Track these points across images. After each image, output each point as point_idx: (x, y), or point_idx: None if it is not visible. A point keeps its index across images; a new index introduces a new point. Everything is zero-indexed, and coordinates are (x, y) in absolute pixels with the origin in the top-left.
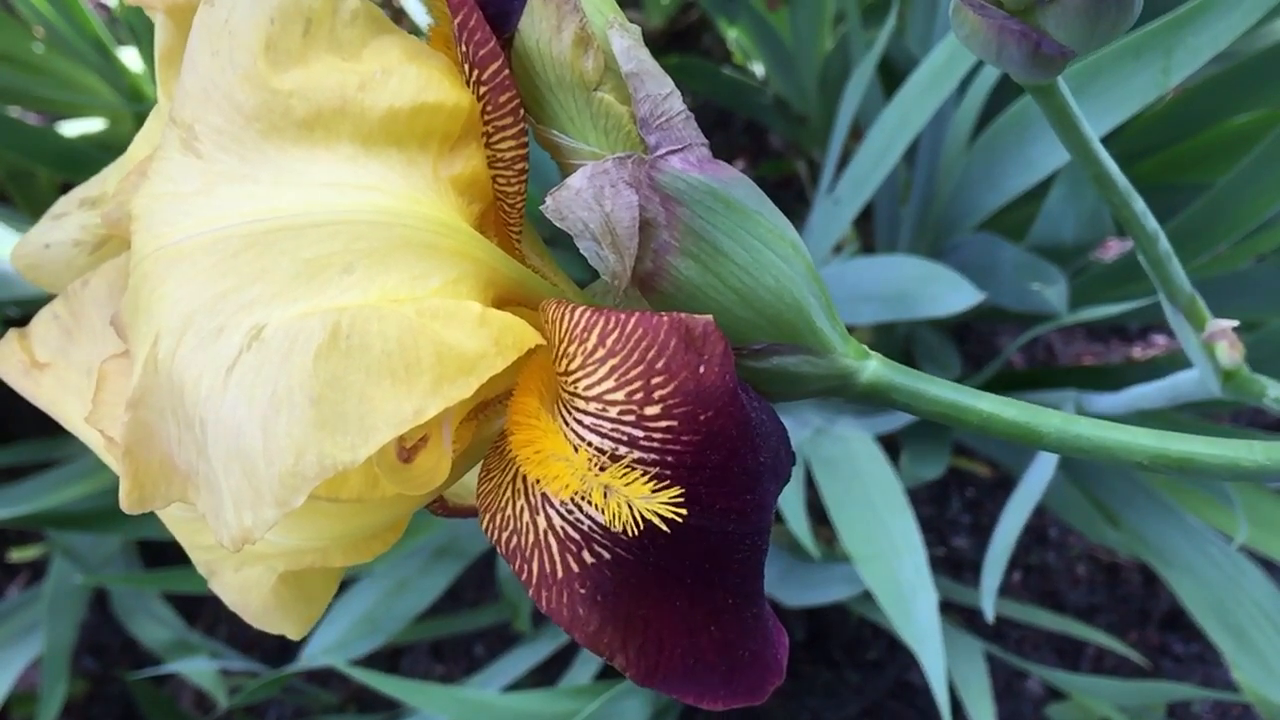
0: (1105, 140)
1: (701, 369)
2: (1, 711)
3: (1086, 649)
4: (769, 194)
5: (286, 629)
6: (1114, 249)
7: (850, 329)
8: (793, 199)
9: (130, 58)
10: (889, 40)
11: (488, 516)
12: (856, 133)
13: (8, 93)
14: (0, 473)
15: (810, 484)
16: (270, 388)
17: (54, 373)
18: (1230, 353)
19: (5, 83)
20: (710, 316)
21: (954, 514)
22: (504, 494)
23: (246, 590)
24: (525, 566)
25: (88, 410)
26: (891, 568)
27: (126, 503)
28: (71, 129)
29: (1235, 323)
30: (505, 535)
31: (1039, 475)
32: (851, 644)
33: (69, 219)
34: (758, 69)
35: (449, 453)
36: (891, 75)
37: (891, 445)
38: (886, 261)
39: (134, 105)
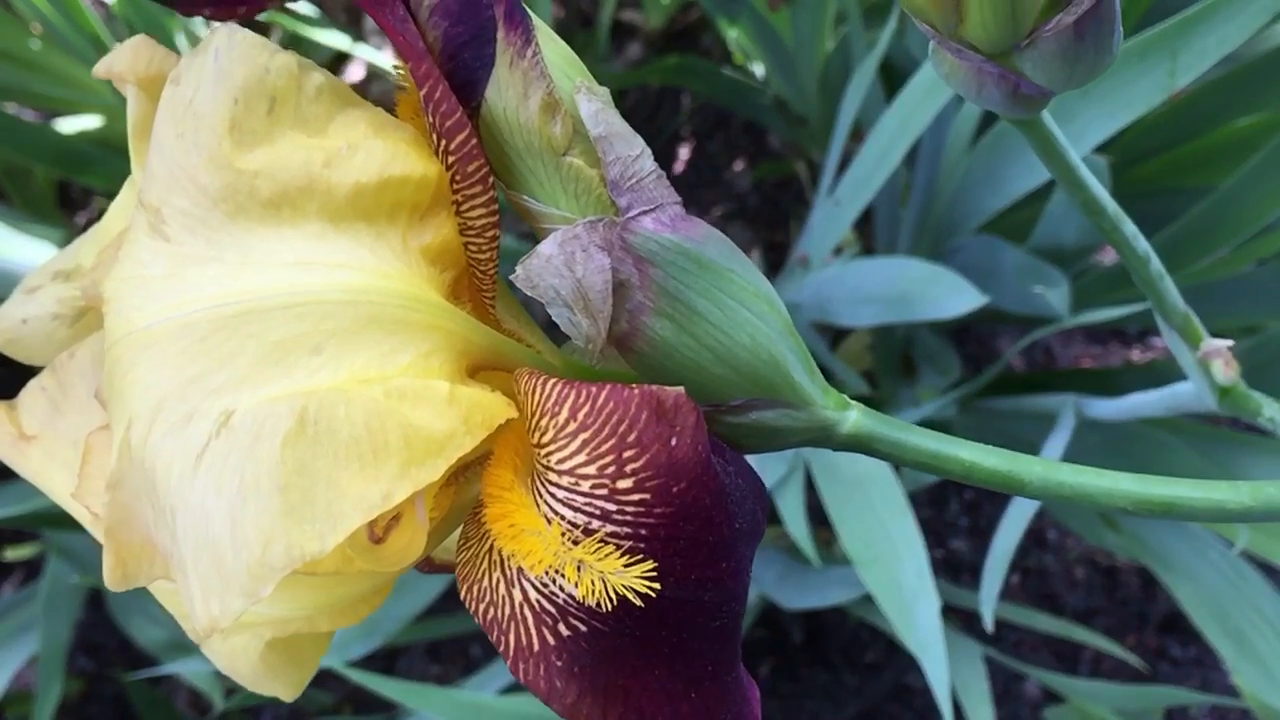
0: (1107, 143)
1: (673, 441)
2: None
3: (1084, 652)
4: (768, 195)
5: (279, 692)
6: (1114, 252)
7: (849, 330)
8: (792, 200)
9: None
10: (890, 41)
11: (465, 587)
12: (857, 134)
13: (5, 90)
14: None
15: (810, 486)
16: (238, 476)
17: (41, 445)
18: (1225, 370)
19: (2, 79)
20: (681, 389)
21: (952, 516)
22: (480, 565)
23: (235, 657)
24: (502, 638)
25: (73, 482)
26: (893, 572)
27: (110, 580)
28: (69, 126)
29: (1230, 342)
30: (482, 607)
31: None
32: (850, 646)
33: (44, 292)
34: (758, 69)
35: (424, 526)
36: (892, 76)
37: None
38: (888, 263)
39: None
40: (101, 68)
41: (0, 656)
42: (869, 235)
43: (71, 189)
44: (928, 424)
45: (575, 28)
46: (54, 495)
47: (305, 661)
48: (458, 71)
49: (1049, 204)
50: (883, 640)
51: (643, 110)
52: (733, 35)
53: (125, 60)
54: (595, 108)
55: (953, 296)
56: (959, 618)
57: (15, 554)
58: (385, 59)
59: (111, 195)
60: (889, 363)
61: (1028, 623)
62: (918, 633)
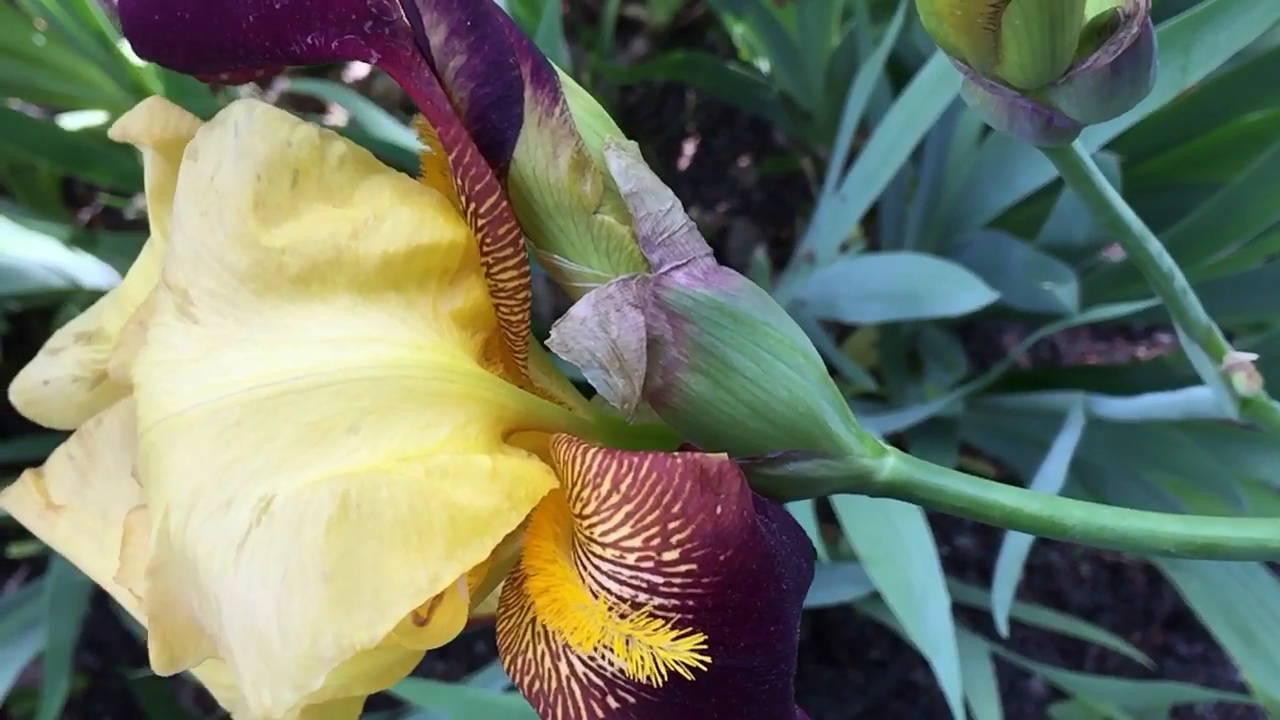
0: (1115, 139)
1: (719, 509)
2: (2, 708)
3: (1090, 649)
4: (773, 191)
5: None
6: (1121, 248)
7: (855, 327)
8: (798, 196)
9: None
10: (896, 36)
11: (509, 659)
12: (863, 129)
13: (9, 85)
14: (0, 468)
15: None
16: (282, 565)
17: (69, 515)
18: (1249, 383)
19: (6, 75)
20: (725, 455)
21: None
22: (524, 637)
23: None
24: (550, 711)
25: (100, 552)
26: (902, 569)
27: (158, 664)
28: (73, 122)
29: (1254, 356)
30: (527, 680)
31: (1050, 480)
32: (855, 643)
33: (66, 354)
34: (763, 65)
35: (466, 602)
36: (898, 71)
37: (899, 444)
38: (896, 259)
39: (136, 98)
40: (117, 130)
41: (6, 653)
42: (874, 232)
43: (75, 185)
44: (935, 421)
45: (580, 23)
46: (82, 566)
47: None
48: (485, 132)
49: (1059, 200)
50: (888, 637)
51: (647, 106)
52: (738, 31)
53: (140, 123)
54: (625, 164)
55: (962, 292)
56: (965, 614)
57: (20, 551)
58: None
59: (116, 191)
60: (895, 359)
61: (1033, 619)
62: (928, 631)
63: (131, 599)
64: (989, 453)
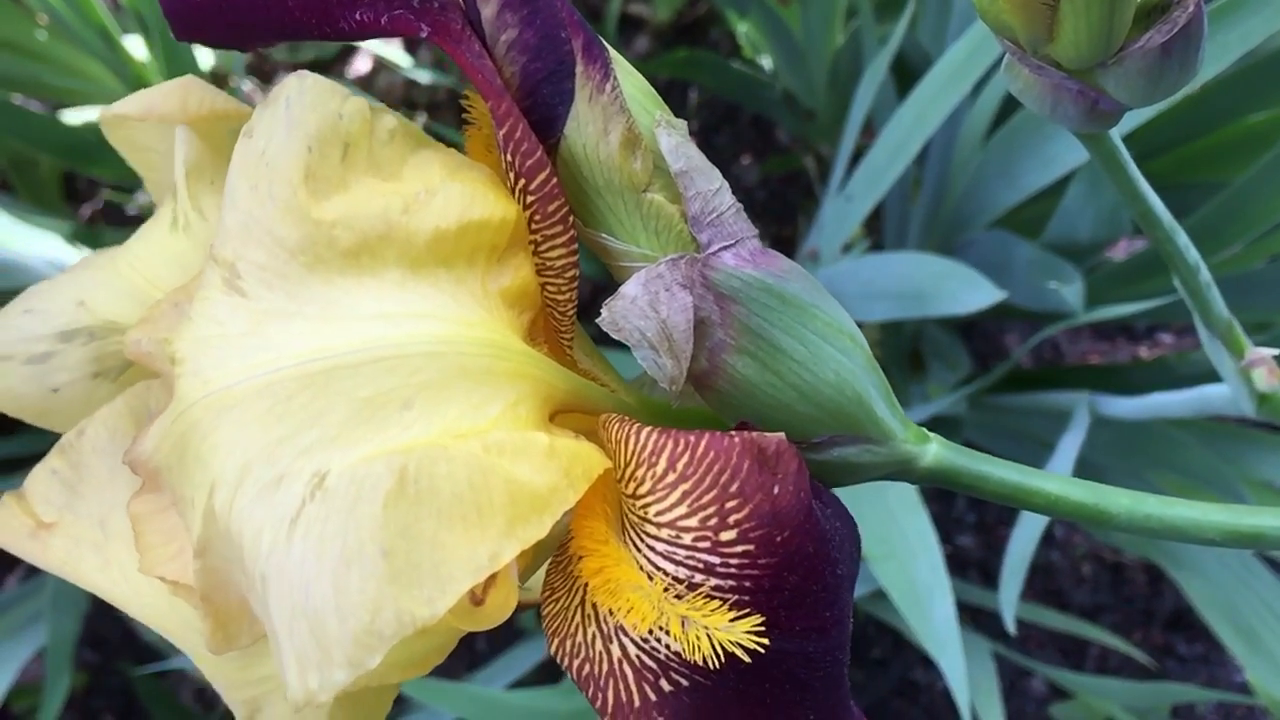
0: (1121, 138)
1: (776, 489)
2: (4, 704)
3: (1090, 648)
4: (776, 189)
5: None
6: (1124, 248)
7: (858, 325)
8: (800, 194)
9: (135, 45)
10: (902, 36)
11: (556, 641)
12: (867, 128)
13: (11, 80)
14: (2, 464)
15: None
16: (339, 541)
17: (63, 531)
18: (1268, 379)
19: (8, 70)
20: (782, 435)
21: (959, 512)
22: (573, 619)
23: (303, 715)
24: (600, 695)
25: (105, 565)
26: (907, 568)
27: (213, 645)
28: (75, 117)
29: (1276, 351)
30: (577, 663)
31: None
32: (856, 641)
33: (65, 356)
34: (766, 63)
35: (516, 583)
36: (902, 69)
37: None
38: (902, 258)
39: None
40: (139, 108)
41: (7, 650)
42: (877, 231)
43: (77, 180)
44: (939, 421)
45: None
46: (84, 582)
47: (371, 715)
48: (536, 108)
49: (1064, 199)
50: (889, 636)
51: None
52: (741, 29)
53: (174, 101)
54: (675, 142)
55: (968, 291)
56: (966, 614)
57: None
58: (391, 51)
59: (118, 187)
60: (897, 358)
61: (1034, 619)
62: (933, 630)
63: (165, 586)
64: (992, 452)
